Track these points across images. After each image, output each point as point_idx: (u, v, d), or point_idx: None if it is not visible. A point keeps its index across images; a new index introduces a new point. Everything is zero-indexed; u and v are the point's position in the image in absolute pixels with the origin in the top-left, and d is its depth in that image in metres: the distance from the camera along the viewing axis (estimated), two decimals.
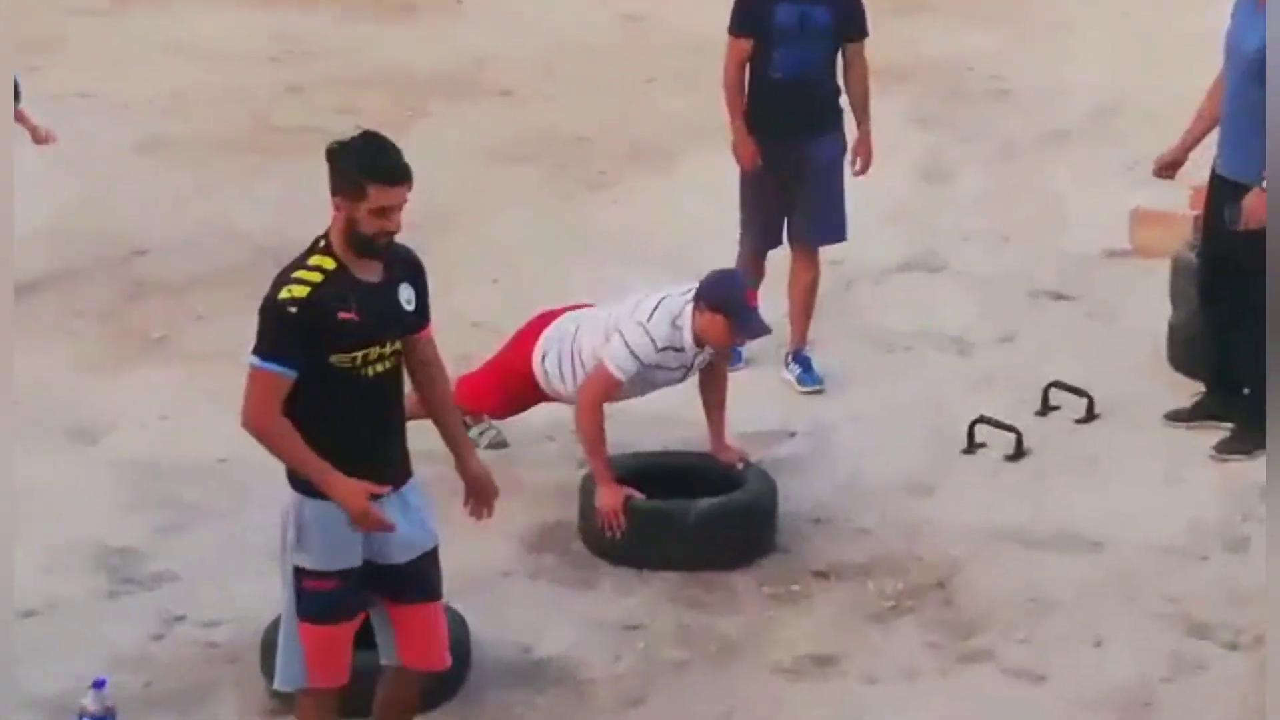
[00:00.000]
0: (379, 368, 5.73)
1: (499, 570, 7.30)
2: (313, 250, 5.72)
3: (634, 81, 11.40)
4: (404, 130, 10.76)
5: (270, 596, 6.93)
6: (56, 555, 7.35)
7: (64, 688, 6.51)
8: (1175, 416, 8.23)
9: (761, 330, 7.44)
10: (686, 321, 7.38)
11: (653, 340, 7.37)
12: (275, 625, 6.56)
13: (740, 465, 7.56)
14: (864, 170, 8.50)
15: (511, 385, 7.71)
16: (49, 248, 9.60)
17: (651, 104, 11.38)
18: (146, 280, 9.35)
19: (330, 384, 5.66)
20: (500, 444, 7.90)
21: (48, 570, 7.26)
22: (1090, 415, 8.27)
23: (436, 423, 5.99)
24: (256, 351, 5.69)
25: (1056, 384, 8.35)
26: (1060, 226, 9.14)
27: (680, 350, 7.41)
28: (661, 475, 7.45)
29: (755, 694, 6.67)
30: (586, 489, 7.41)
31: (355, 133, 5.77)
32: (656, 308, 7.40)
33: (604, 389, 7.37)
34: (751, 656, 6.84)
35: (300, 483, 5.80)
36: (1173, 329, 8.55)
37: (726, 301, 7.34)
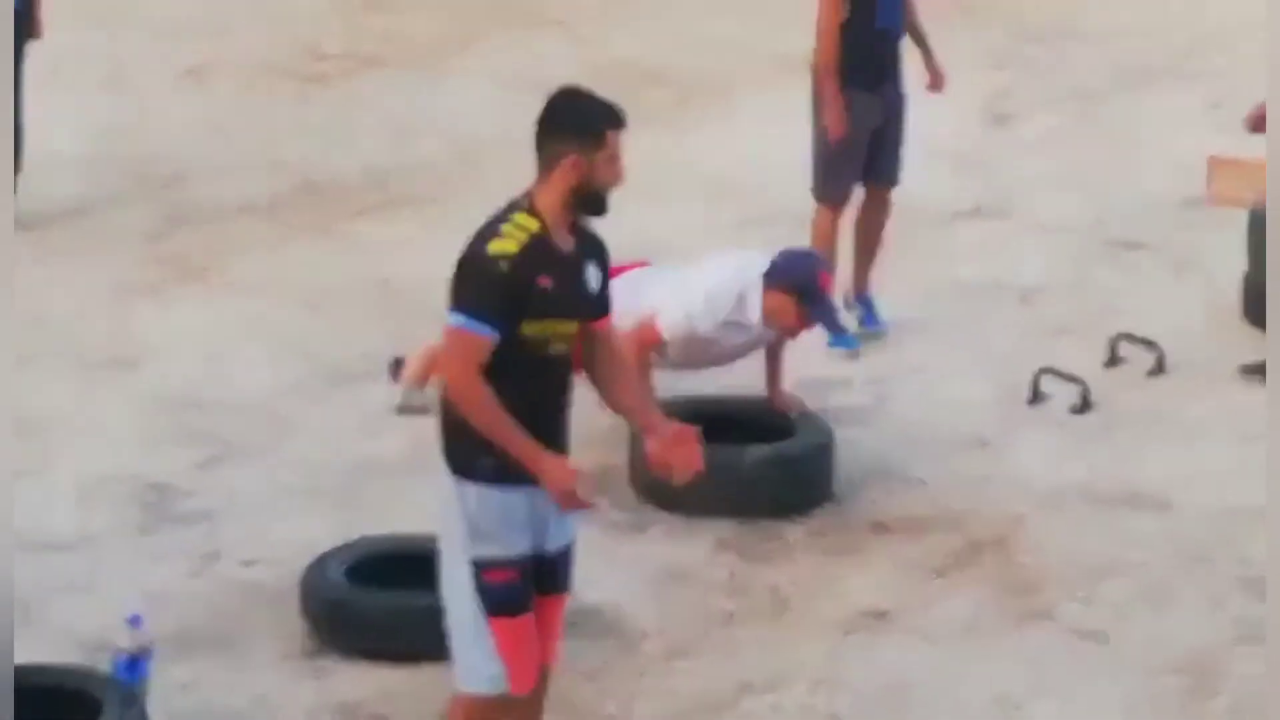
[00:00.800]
0: (560, 347, 5.36)
1: None
2: (513, 209, 5.34)
3: (695, 11, 11.21)
4: (454, 59, 10.62)
5: (310, 536, 6.88)
6: (91, 488, 7.27)
7: (99, 624, 6.44)
8: (1250, 370, 8.05)
9: (834, 316, 7.30)
10: (755, 297, 7.18)
11: (713, 310, 7.17)
12: (317, 564, 6.46)
13: (797, 413, 7.43)
14: (943, 86, 8.50)
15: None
16: (90, 172, 9.52)
17: (712, 34, 11.19)
18: (188, 208, 9.26)
19: (513, 356, 5.26)
20: None
21: (82, 503, 7.18)
22: (1160, 368, 8.16)
23: (628, 416, 5.54)
24: (461, 309, 5.24)
25: (1125, 335, 8.23)
26: (1135, 172, 9.01)
27: (744, 326, 7.23)
28: (717, 420, 7.27)
29: (807, 649, 6.58)
30: (636, 434, 7.21)
31: (555, 92, 5.43)
32: (726, 279, 7.18)
33: (644, 342, 7.14)
34: (804, 610, 6.74)
35: (467, 469, 5.36)
36: (1248, 281, 8.38)
37: (800, 284, 7.15)
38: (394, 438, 7.61)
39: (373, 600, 6.46)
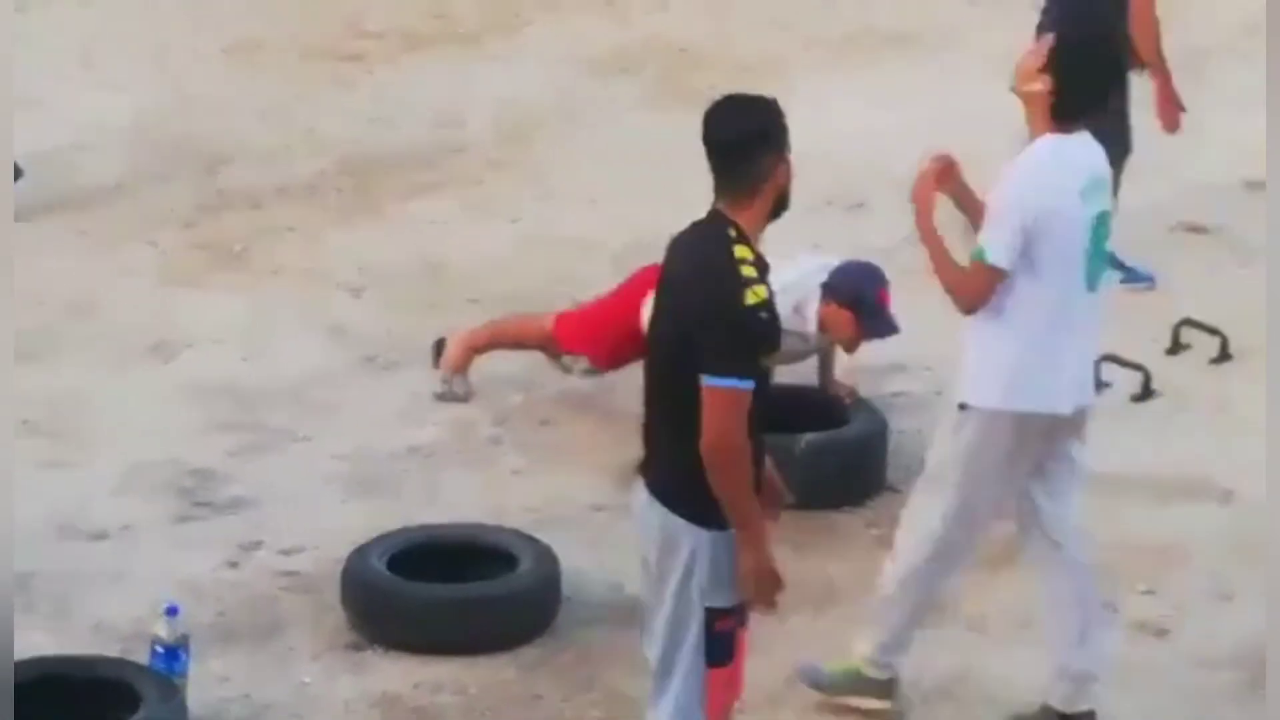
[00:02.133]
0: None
1: (591, 504, 7.07)
2: (723, 240, 5.04)
3: None
4: (499, 39, 10.49)
5: (350, 526, 6.78)
6: (129, 476, 7.18)
7: (136, 614, 6.37)
8: None
9: (890, 331, 7.19)
10: (812, 308, 7.12)
11: None
12: (358, 554, 6.36)
13: (849, 400, 7.34)
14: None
15: (621, 336, 7.39)
16: (130, 152, 9.44)
17: (762, 15, 11.05)
18: (229, 190, 9.17)
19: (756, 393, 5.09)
20: (594, 372, 7.63)
21: (120, 491, 7.10)
22: (1224, 355, 8.04)
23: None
24: (728, 370, 4.97)
25: (1189, 322, 8.13)
26: (1197, 155, 8.85)
27: (802, 335, 7.14)
28: (769, 408, 7.12)
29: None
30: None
31: (728, 109, 5.12)
32: (786, 287, 7.04)
33: None
34: (857, 601, 6.59)
35: (707, 515, 5.12)
36: None
37: (858, 298, 7.12)
38: (437, 425, 7.51)
39: (414, 591, 6.36)
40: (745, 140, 5.06)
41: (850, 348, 7.27)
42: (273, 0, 10.93)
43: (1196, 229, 8.92)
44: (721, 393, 5.01)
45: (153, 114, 9.79)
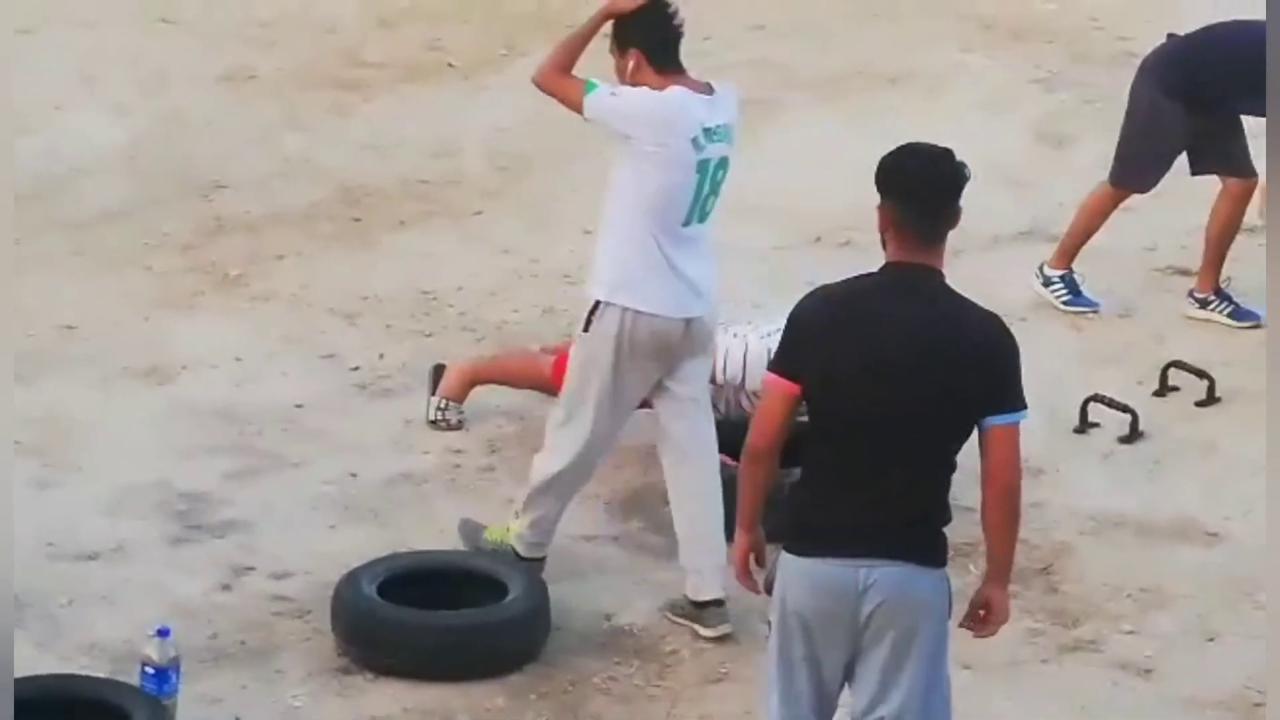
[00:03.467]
0: None
1: (582, 534, 7.11)
2: (944, 285, 5.26)
3: (741, 28, 11.10)
4: (497, 70, 10.52)
5: (342, 549, 6.80)
6: (122, 497, 7.20)
7: (127, 635, 6.39)
8: None
9: None
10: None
11: (738, 372, 7.22)
12: (349, 579, 6.38)
13: None
14: None
15: None
16: (127, 177, 9.45)
17: (754, 54, 11.09)
18: (225, 216, 9.18)
19: None
20: None
21: (113, 513, 7.12)
22: (1211, 398, 8.04)
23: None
24: (1023, 404, 5.22)
25: (1177, 364, 8.13)
26: (1188, 198, 8.88)
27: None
28: None
29: None
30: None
31: (918, 145, 5.35)
32: (766, 346, 7.07)
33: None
34: None
35: (944, 560, 5.38)
36: None
37: None
38: (429, 453, 7.53)
39: (405, 617, 6.38)
40: (953, 190, 5.18)
41: None
42: (271, 29, 10.95)
43: (1185, 272, 8.94)
44: (1014, 431, 5.18)
45: (151, 139, 9.80)
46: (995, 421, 5.12)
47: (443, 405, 7.65)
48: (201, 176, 9.47)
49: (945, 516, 5.31)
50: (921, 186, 5.14)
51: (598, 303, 6.53)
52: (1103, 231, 8.75)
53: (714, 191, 6.61)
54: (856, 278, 5.25)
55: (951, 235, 8.83)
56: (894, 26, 11.01)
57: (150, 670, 6.00)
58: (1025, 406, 5.20)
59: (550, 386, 7.54)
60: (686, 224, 6.54)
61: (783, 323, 7.23)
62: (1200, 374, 8.06)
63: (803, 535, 5.26)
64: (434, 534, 7.00)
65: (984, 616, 5.37)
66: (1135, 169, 8.55)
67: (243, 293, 8.58)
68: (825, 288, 5.26)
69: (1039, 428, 7.81)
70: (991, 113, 10.05)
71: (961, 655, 6.54)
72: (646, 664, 6.48)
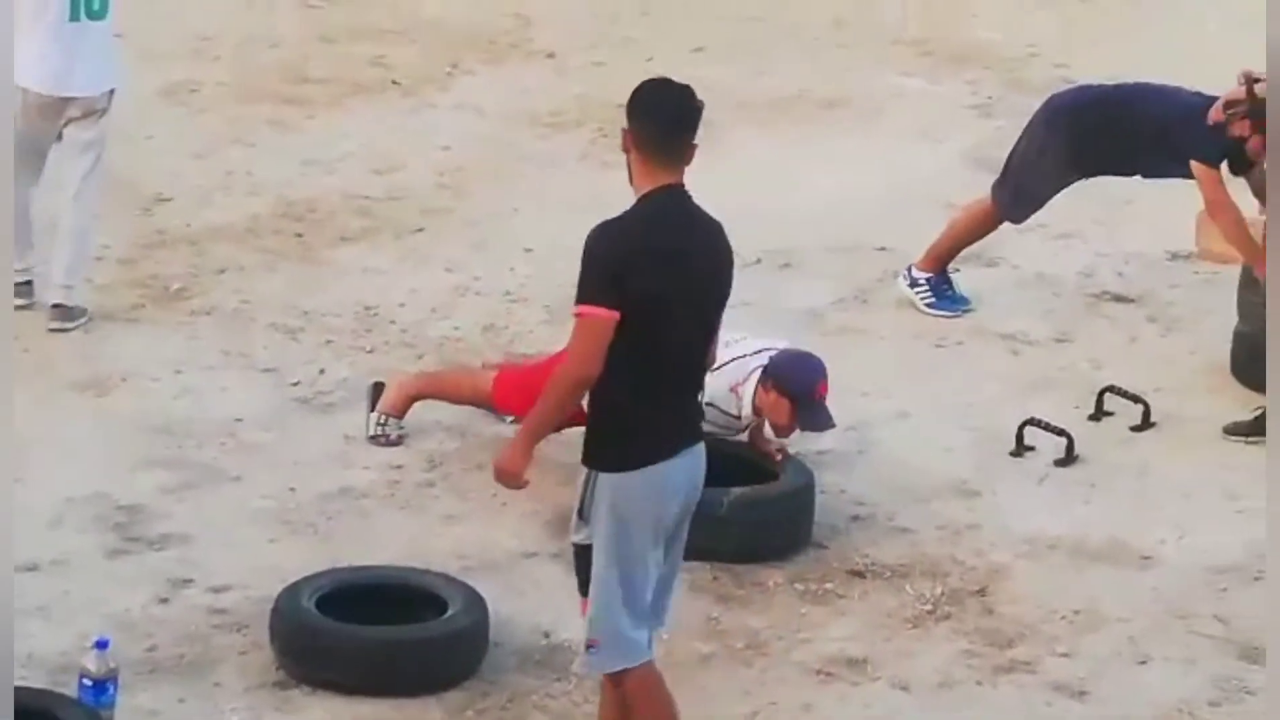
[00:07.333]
0: None
1: (522, 551, 7.13)
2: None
3: (682, 50, 11.14)
4: (441, 88, 10.54)
5: (281, 564, 6.78)
6: (62, 509, 7.19)
7: (65, 647, 6.39)
8: (1234, 429, 8.02)
9: (826, 425, 7.26)
10: (749, 392, 7.17)
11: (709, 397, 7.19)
12: (287, 593, 6.38)
13: (779, 456, 7.37)
14: None
15: None
16: None
17: (696, 77, 11.12)
18: (167, 229, 9.16)
19: None
20: None
21: (52, 525, 7.10)
22: (1146, 423, 8.09)
23: None
24: None
25: (1112, 389, 8.17)
26: (1124, 225, 8.96)
27: (733, 415, 7.21)
28: None
29: (781, 694, 6.52)
30: None
31: (657, 79, 5.98)
32: (726, 371, 7.07)
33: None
34: (780, 655, 6.69)
35: None
36: (1238, 338, 8.32)
37: (797, 389, 7.16)
38: (369, 468, 7.53)
39: (343, 632, 6.38)
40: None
41: (783, 434, 7.29)
42: (214, 43, 10.94)
43: (1121, 298, 9.01)
44: None
45: None
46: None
47: (383, 421, 7.66)
48: (143, 190, 9.44)
49: None
50: (692, 111, 5.78)
51: None
52: (1040, 255, 8.80)
53: None
54: (643, 207, 5.77)
55: (890, 257, 8.98)
56: (834, 51, 11.08)
57: (88, 682, 5.99)
58: None
59: (491, 403, 7.56)
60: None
61: (765, 344, 7.31)
62: (1135, 399, 8.11)
63: (647, 446, 5.75)
64: (374, 550, 7.00)
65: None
66: (1011, 197, 8.56)
67: (183, 306, 8.56)
68: (619, 222, 5.74)
69: (975, 450, 7.89)
70: (929, 138, 10.12)
71: (897, 676, 6.61)
72: (583, 681, 6.44)
